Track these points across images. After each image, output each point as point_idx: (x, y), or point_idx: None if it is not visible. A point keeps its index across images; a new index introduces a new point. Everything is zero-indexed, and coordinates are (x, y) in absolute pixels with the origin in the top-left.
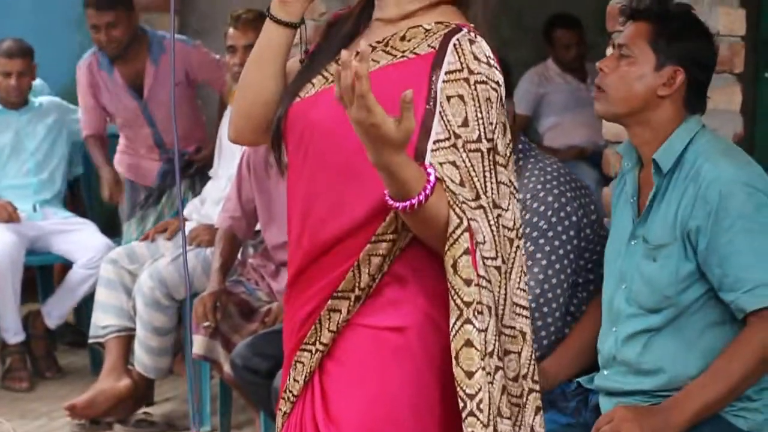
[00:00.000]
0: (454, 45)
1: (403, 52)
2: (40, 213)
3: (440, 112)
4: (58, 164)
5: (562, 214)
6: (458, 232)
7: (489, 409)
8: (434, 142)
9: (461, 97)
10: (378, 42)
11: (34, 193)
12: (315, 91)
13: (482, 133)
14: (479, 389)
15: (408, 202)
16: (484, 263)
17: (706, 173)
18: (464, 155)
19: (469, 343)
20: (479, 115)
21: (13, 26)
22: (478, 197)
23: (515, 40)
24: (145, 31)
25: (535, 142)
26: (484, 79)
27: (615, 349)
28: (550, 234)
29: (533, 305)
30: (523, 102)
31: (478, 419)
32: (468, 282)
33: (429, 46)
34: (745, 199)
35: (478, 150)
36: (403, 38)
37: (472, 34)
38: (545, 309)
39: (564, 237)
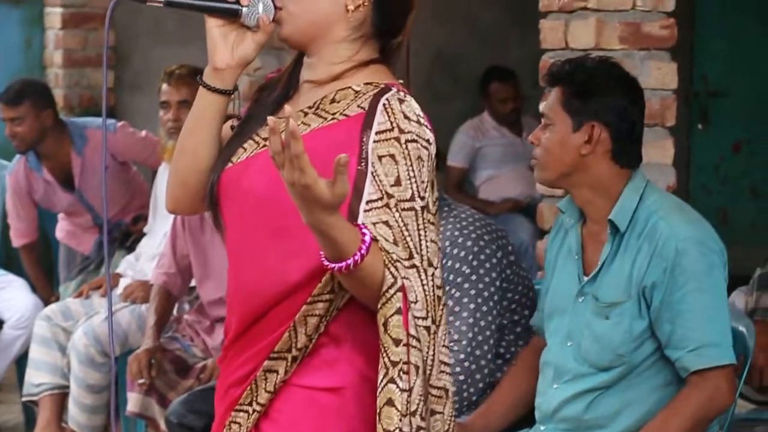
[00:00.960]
0: (384, 105)
1: (333, 114)
2: None
3: (372, 173)
4: None
5: (482, 257)
6: (391, 291)
7: None
8: (367, 203)
9: (392, 156)
10: (309, 107)
11: None
12: (247, 156)
13: (415, 192)
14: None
15: (343, 263)
16: (415, 323)
17: (662, 230)
18: (397, 215)
19: (390, 402)
20: (411, 173)
21: None
22: (411, 256)
23: (449, 93)
24: (65, 124)
25: (471, 194)
26: (415, 137)
27: (556, 405)
28: (474, 278)
29: (468, 350)
30: (459, 154)
31: None
32: (397, 342)
33: (358, 106)
34: (698, 258)
35: (411, 209)
36: (332, 101)
37: (402, 93)
38: (477, 352)
39: (487, 279)
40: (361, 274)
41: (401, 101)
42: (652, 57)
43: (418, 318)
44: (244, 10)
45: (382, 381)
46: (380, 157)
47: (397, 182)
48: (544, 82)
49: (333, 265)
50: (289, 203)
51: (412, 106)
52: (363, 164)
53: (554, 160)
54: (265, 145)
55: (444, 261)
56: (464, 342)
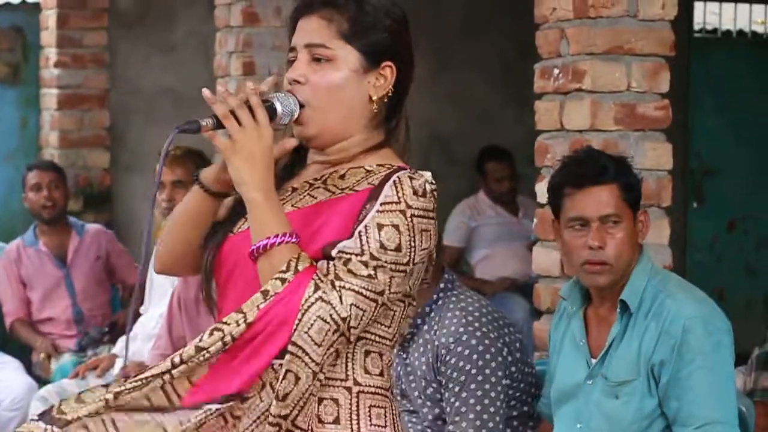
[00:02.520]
0: (394, 181)
1: (342, 189)
2: None
3: (360, 232)
4: None
5: (487, 356)
6: (278, 275)
7: None
8: (339, 251)
9: (396, 227)
10: (315, 179)
11: None
12: (248, 226)
13: (411, 259)
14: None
15: (257, 245)
16: (307, 331)
17: (669, 309)
18: (382, 274)
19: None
20: (413, 244)
21: None
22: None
23: (445, 173)
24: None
25: (467, 273)
26: (423, 213)
27: None
28: (480, 378)
29: None
30: (455, 234)
31: None
32: (239, 311)
33: (368, 183)
34: (705, 335)
35: (404, 271)
36: (342, 177)
37: (413, 172)
38: None
39: (493, 379)
40: (260, 271)
41: (412, 178)
42: (647, 138)
43: (311, 335)
44: (278, 109)
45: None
46: (381, 226)
47: (398, 249)
48: (572, 186)
49: (252, 246)
50: None
51: (426, 178)
52: (355, 226)
53: (627, 257)
54: None
55: (447, 358)
56: None
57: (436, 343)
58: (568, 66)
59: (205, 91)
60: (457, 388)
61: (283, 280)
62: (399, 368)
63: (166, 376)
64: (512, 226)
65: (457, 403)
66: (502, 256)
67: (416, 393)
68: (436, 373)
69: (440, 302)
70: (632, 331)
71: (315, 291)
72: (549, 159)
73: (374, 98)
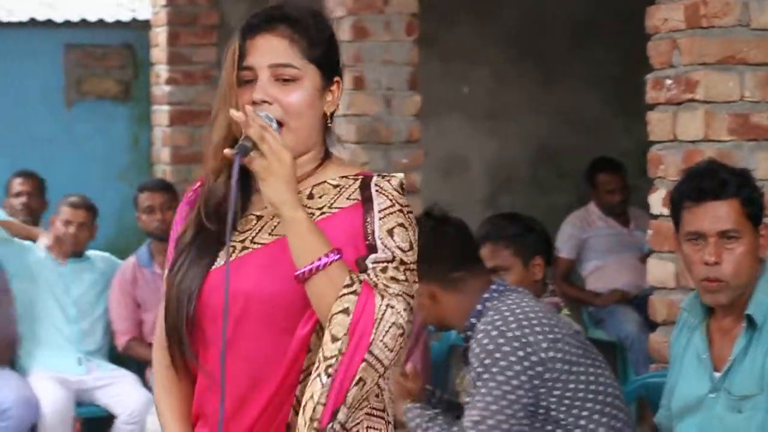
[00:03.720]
0: (377, 190)
1: (321, 208)
2: (84, 367)
3: (380, 239)
4: (101, 316)
5: (497, 354)
6: (345, 291)
7: None
8: (374, 262)
9: (402, 225)
10: None
11: (76, 341)
12: (224, 262)
13: (415, 253)
14: None
15: (304, 269)
16: (383, 344)
17: None
18: (406, 274)
19: (311, 397)
20: (414, 238)
21: (58, 179)
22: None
23: (554, 185)
24: None
25: (578, 285)
26: (410, 209)
27: None
28: (486, 376)
29: (484, 414)
30: (566, 246)
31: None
32: (334, 339)
33: (348, 199)
34: None
35: (413, 270)
36: (311, 196)
37: (383, 174)
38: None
39: (501, 378)
40: (313, 289)
41: (388, 180)
42: (761, 148)
43: (386, 342)
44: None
45: (312, 375)
46: (391, 230)
47: (411, 247)
48: (691, 200)
49: (297, 271)
50: (281, 296)
51: (399, 178)
52: (370, 238)
53: (746, 272)
54: (246, 248)
55: (472, 353)
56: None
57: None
58: (681, 76)
59: (238, 114)
60: (471, 389)
61: (355, 293)
62: (470, 381)
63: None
64: (623, 237)
65: (473, 393)
66: (614, 268)
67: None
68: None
69: (483, 311)
70: (757, 344)
71: (381, 299)
72: (662, 170)
73: (328, 113)
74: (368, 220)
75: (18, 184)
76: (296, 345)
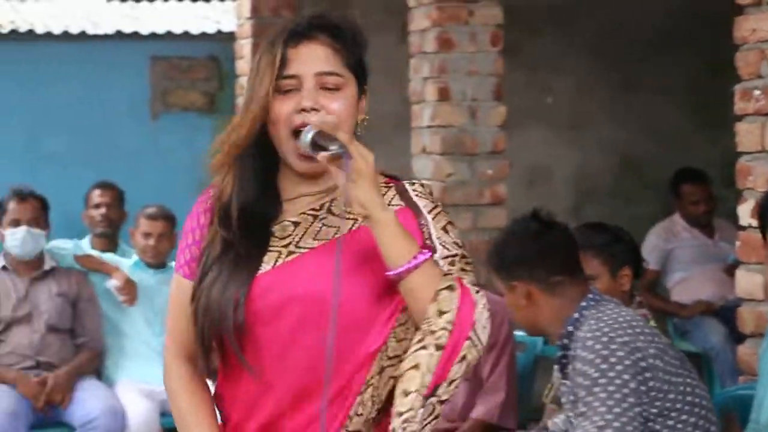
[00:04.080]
0: (416, 194)
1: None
2: None
3: (440, 244)
4: None
5: (612, 359)
6: (448, 277)
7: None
8: (443, 264)
9: (450, 223)
10: (315, 210)
11: (162, 353)
12: (274, 265)
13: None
14: (410, 408)
15: (396, 270)
16: (482, 327)
17: None
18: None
19: (416, 367)
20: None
21: (143, 191)
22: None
23: (638, 196)
24: None
25: (663, 296)
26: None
27: None
28: (603, 381)
29: None
30: (651, 257)
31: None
32: (440, 313)
33: (391, 204)
34: None
35: (472, 263)
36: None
37: (407, 180)
38: None
39: (618, 381)
40: (411, 286)
41: (420, 184)
42: None
43: (484, 324)
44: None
45: (413, 347)
46: (444, 228)
47: (463, 243)
48: None
49: (390, 272)
50: (348, 293)
51: (421, 181)
52: (428, 241)
53: None
54: (292, 252)
55: (576, 365)
56: None
57: (573, 354)
58: None
59: (331, 117)
60: (583, 393)
61: (453, 278)
62: (566, 392)
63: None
64: (708, 248)
65: (583, 408)
66: (699, 279)
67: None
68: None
69: (581, 319)
70: None
71: (473, 288)
72: (751, 181)
73: (359, 122)
74: (422, 222)
75: (97, 196)
76: (363, 358)
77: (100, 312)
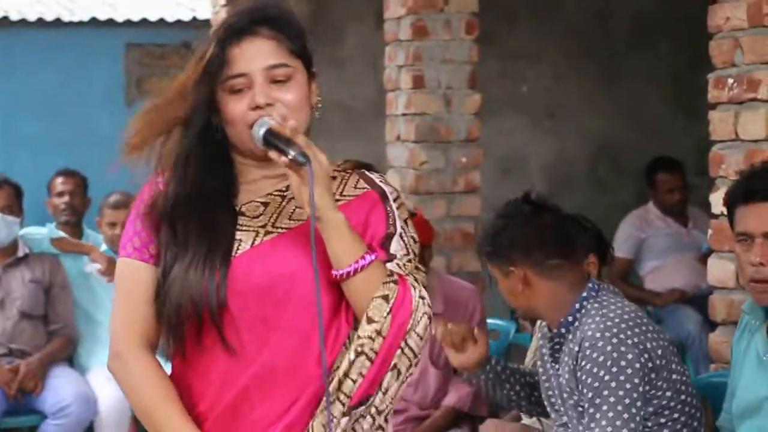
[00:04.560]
0: (380, 181)
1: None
2: None
3: (400, 234)
4: None
5: (622, 362)
6: (387, 279)
7: None
8: (399, 259)
9: (408, 217)
10: (280, 191)
11: None
12: (250, 246)
13: None
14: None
15: (341, 271)
16: (415, 334)
17: None
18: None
19: (337, 368)
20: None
21: (118, 177)
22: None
23: (613, 184)
24: None
25: (636, 285)
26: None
27: None
28: (613, 384)
29: None
30: (624, 245)
31: None
32: (369, 320)
33: (356, 187)
34: None
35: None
36: None
37: (368, 166)
38: None
39: (628, 385)
40: (355, 287)
41: (379, 174)
42: None
43: (419, 332)
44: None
45: (341, 350)
46: (405, 220)
47: (414, 240)
48: (741, 200)
49: (334, 272)
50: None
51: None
52: (392, 227)
53: None
54: (269, 232)
55: (583, 363)
56: None
57: (576, 349)
58: (743, 75)
59: (292, 123)
60: (590, 394)
61: (395, 283)
62: (553, 380)
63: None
64: (682, 237)
65: (591, 410)
66: (672, 268)
67: (566, 405)
68: (577, 381)
69: (582, 310)
70: None
71: (414, 290)
72: (723, 169)
73: (313, 104)
74: (388, 209)
75: (60, 183)
76: (341, 339)
77: (72, 299)
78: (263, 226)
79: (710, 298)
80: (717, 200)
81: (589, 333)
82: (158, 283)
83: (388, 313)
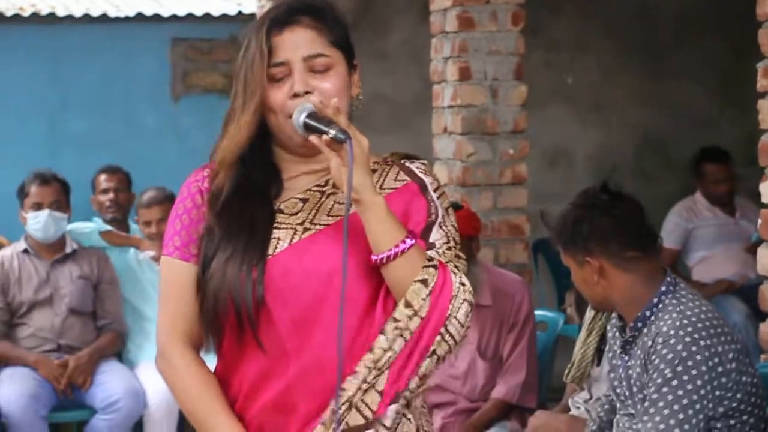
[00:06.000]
0: (421, 171)
1: None
2: None
3: (440, 223)
4: None
5: (689, 363)
6: (427, 264)
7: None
8: (439, 247)
9: (451, 206)
10: (320, 186)
11: None
12: (288, 243)
13: None
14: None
15: (381, 255)
16: (456, 322)
17: None
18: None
19: (371, 350)
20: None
21: (164, 173)
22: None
23: (660, 176)
24: None
25: (684, 275)
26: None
27: None
28: (675, 383)
29: None
30: (672, 236)
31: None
32: (407, 304)
33: (396, 180)
34: None
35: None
36: None
37: (409, 157)
38: None
39: (690, 386)
40: (394, 272)
41: (422, 162)
42: None
43: (459, 318)
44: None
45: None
46: (447, 209)
47: (458, 228)
48: None
49: (374, 257)
50: (355, 270)
51: (421, 160)
52: (433, 216)
53: None
54: (307, 229)
55: (653, 358)
56: None
57: (649, 343)
58: None
59: (335, 100)
60: (653, 388)
61: (435, 268)
62: (621, 372)
63: (358, 394)
64: (730, 227)
65: (647, 404)
66: (720, 258)
67: (635, 398)
68: (647, 375)
69: (660, 305)
70: None
71: (455, 276)
72: None
73: (354, 96)
74: (429, 198)
75: (104, 181)
76: (377, 329)
77: (121, 294)
78: (301, 224)
79: (760, 287)
80: (766, 190)
81: (664, 329)
82: (198, 278)
83: (427, 296)
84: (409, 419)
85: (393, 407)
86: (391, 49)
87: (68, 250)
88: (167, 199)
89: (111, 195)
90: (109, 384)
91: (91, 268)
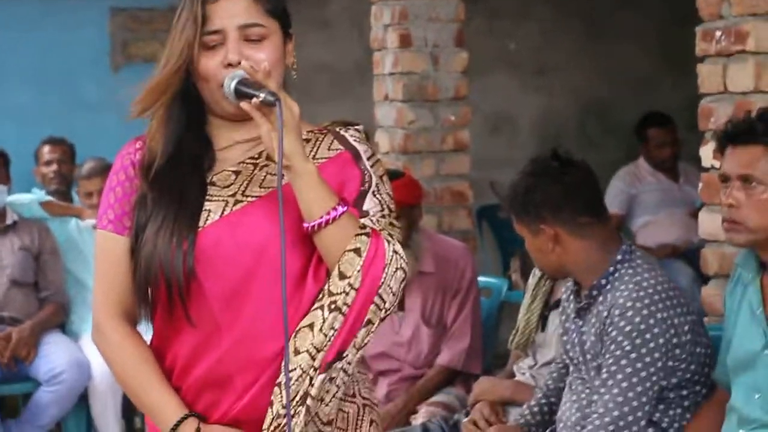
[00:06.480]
0: (355, 139)
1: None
2: None
3: (373, 191)
4: None
5: (647, 335)
6: (360, 232)
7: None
8: (373, 214)
9: (385, 173)
10: (254, 158)
11: None
12: (219, 216)
13: None
14: (296, 366)
15: (313, 222)
16: (389, 289)
17: None
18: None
19: (311, 326)
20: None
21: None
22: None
23: (601, 141)
24: None
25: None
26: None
27: None
28: (633, 356)
29: (611, 428)
30: (615, 201)
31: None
32: (342, 276)
33: (330, 149)
34: None
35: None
36: None
37: (341, 127)
38: (624, 431)
39: (648, 359)
40: (326, 240)
41: (356, 129)
42: None
43: (392, 286)
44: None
45: (313, 306)
46: (381, 177)
47: (392, 196)
48: (723, 142)
49: (306, 224)
50: (288, 240)
51: (361, 128)
52: (366, 184)
53: (763, 221)
54: (239, 201)
55: (609, 330)
56: (607, 419)
57: (605, 314)
58: (731, 28)
59: (264, 65)
60: (610, 361)
61: (367, 236)
62: (575, 336)
63: (311, 371)
64: (673, 192)
65: (605, 376)
66: (664, 223)
67: (588, 365)
68: (602, 345)
69: (616, 274)
70: None
71: (388, 244)
72: (713, 122)
73: (289, 66)
74: (362, 167)
75: (47, 152)
76: (309, 298)
77: (62, 265)
78: (233, 195)
79: (702, 251)
80: (707, 153)
81: (620, 300)
82: (132, 248)
83: (360, 268)
84: (338, 386)
85: (320, 377)
86: (332, 17)
87: (9, 221)
88: (107, 170)
89: (54, 166)
90: (53, 356)
91: (32, 239)
